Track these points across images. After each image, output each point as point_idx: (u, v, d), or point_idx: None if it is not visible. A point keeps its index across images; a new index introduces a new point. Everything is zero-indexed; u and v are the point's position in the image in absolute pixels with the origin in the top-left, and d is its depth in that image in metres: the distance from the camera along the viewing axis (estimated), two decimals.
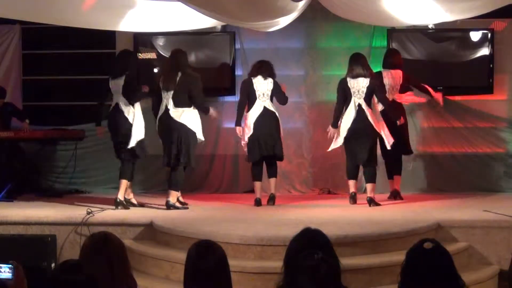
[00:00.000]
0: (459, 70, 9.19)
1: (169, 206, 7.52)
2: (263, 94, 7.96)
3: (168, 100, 7.55)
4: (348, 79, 7.90)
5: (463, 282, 2.93)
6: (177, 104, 7.53)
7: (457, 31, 9.20)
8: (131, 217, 7.00)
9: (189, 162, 7.60)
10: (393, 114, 8.06)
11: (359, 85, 7.86)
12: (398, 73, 8.29)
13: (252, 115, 7.96)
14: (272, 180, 8.09)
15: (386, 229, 6.26)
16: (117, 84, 7.64)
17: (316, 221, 6.17)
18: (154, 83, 7.80)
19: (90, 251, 3.32)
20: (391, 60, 8.37)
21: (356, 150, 7.89)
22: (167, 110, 7.55)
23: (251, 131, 7.94)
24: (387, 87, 8.22)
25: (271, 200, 8.00)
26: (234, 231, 6.14)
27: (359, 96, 7.85)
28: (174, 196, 7.57)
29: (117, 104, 7.63)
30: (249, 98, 8.01)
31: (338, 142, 8.01)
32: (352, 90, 7.87)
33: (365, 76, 7.85)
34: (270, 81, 8.00)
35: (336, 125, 7.97)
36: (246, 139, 7.98)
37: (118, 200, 7.45)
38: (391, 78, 8.26)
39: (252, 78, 8.00)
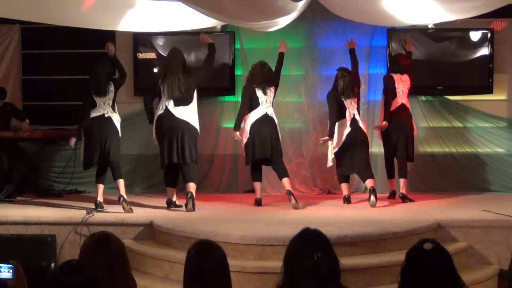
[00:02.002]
0: (459, 70, 9.19)
1: (169, 205, 7.57)
2: (266, 101, 7.98)
3: (168, 100, 7.56)
4: (339, 94, 8.07)
5: (462, 282, 2.93)
6: (176, 104, 7.56)
7: (457, 31, 9.20)
8: (131, 217, 7.00)
9: (196, 158, 7.64)
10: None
11: (350, 98, 8.07)
12: (406, 77, 8.34)
13: (251, 118, 7.95)
14: (285, 180, 7.85)
15: (386, 229, 6.27)
16: (104, 98, 7.58)
17: (316, 221, 6.18)
18: (154, 83, 7.78)
19: (90, 251, 3.32)
20: (403, 64, 8.40)
21: (349, 160, 8.03)
22: (167, 109, 7.56)
23: (247, 135, 7.94)
24: (397, 91, 8.25)
25: (292, 196, 7.64)
26: (234, 231, 6.14)
27: (352, 107, 8.07)
28: (194, 188, 7.50)
29: (103, 115, 7.55)
30: (251, 102, 7.99)
31: (333, 152, 8.13)
32: (345, 103, 8.05)
33: (354, 96, 8.06)
34: (272, 89, 8.03)
35: (333, 134, 8.08)
36: (245, 142, 7.98)
37: (122, 198, 7.41)
38: (403, 82, 8.30)
39: (255, 86, 7.98)
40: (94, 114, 7.56)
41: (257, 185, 8.03)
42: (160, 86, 7.62)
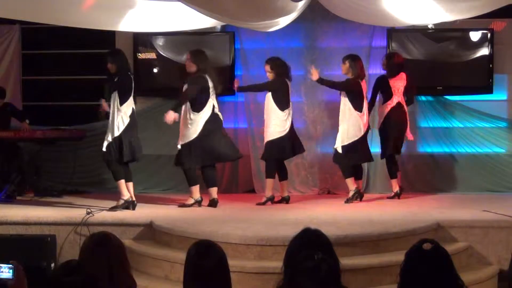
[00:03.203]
0: (459, 70, 9.19)
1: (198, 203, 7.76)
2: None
3: (214, 101, 7.70)
4: (359, 81, 8.09)
5: (462, 282, 2.93)
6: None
7: (457, 31, 9.20)
8: (130, 217, 7.00)
9: None
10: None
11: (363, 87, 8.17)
12: (402, 76, 8.31)
13: (290, 116, 8.15)
14: (285, 182, 8.22)
15: (386, 229, 6.27)
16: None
17: (316, 221, 6.19)
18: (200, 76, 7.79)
19: (89, 251, 3.32)
20: (395, 64, 8.37)
21: (363, 150, 8.17)
22: (214, 109, 7.69)
23: (286, 131, 8.06)
24: (392, 89, 8.25)
25: (287, 201, 8.17)
26: (234, 231, 6.15)
27: (366, 98, 8.19)
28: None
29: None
30: (285, 97, 8.13)
31: (342, 142, 8.12)
32: (363, 92, 8.15)
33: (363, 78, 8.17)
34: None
35: (326, 84, 8.22)
36: (278, 136, 8.06)
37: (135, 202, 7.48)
38: (397, 81, 8.27)
39: (288, 80, 8.14)
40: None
41: (272, 182, 8.06)
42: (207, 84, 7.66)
